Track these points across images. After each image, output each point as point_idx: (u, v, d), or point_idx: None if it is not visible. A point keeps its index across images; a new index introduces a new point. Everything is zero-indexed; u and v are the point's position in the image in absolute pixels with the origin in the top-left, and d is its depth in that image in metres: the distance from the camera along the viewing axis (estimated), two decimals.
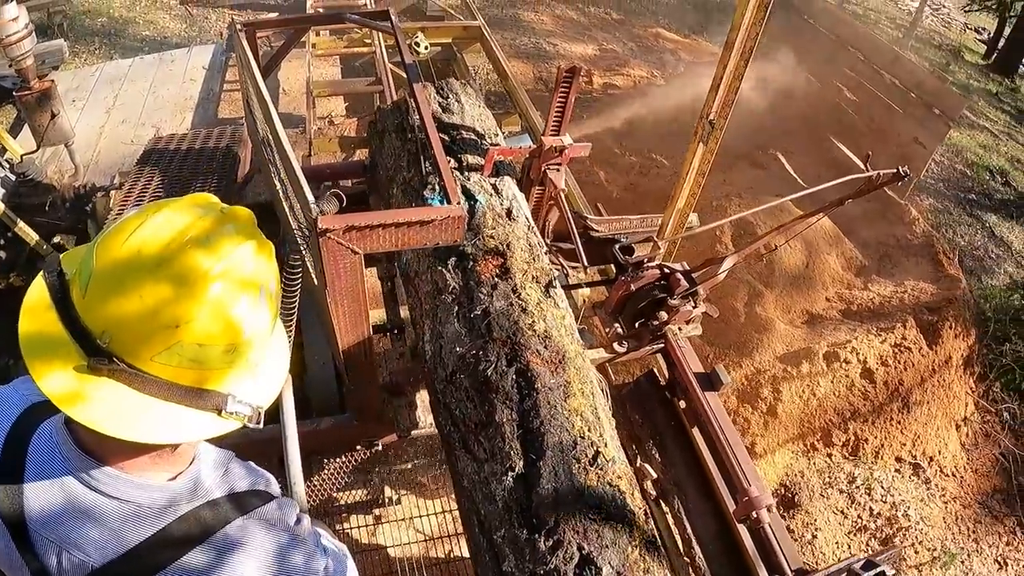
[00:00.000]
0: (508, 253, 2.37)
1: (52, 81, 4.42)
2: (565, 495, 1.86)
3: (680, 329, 2.71)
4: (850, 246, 6.56)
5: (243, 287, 1.04)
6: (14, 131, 5.80)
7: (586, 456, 1.96)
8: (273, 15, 9.07)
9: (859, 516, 4.84)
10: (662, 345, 2.73)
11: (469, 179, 2.61)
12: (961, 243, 7.64)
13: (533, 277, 2.37)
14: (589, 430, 2.03)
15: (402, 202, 2.70)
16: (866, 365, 5.21)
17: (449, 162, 2.53)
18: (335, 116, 7.13)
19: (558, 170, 2.80)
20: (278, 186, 2.84)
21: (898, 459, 5.21)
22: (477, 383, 2.09)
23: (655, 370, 2.88)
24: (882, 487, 5.00)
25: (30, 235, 3.83)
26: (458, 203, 2.14)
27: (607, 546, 1.81)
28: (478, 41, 5.58)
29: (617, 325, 2.70)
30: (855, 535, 4.76)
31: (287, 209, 2.69)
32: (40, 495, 1.08)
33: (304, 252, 2.28)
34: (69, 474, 1.08)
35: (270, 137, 2.65)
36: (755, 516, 2.23)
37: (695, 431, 2.60)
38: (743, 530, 2.32)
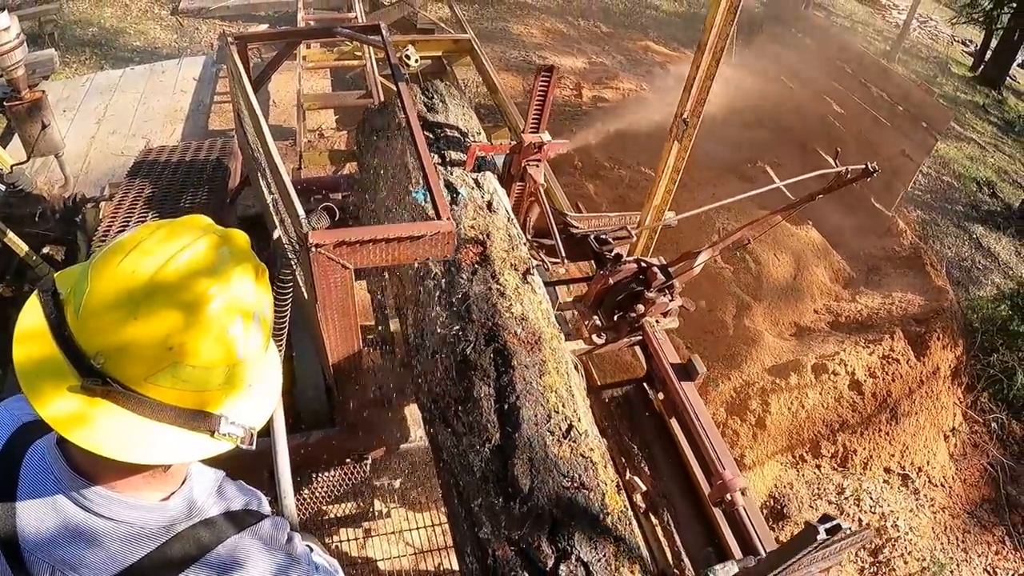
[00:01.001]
0: (488, 242, 2.46)
1: (43, 91, 4.42)
2: (539, 466, 1.93)
3: (657, 322, 2.77)
4: (838, 258, 6.60)
5: (238, 310, 1.04)
6: (4, 141, 5.79)
7: (560, 429, 2.04)
8: (264, 27, 9.09)
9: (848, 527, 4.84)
10: (640, 337, 2.78)
11: (452, 173, 2.71)
12: (948, 254, 7.69)
13: (512, 265, 2.46)
14: (563, 405, 2.11)
15: (388, 199, 2.76)
16: (854, 377, 5.23)
17: (433, 158, 2.62)
18: (325, 129, 7.14)
19: (537, 166, 2.89)
20: (268, 199, 2.85)
21: (887, 470, 5.23)
22: (457, 362, 2.17)
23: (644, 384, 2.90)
24: (871, 498, 5.01)
25: (19, 246, 3.80)
26: (448, 218, 2.16)
27: (579, 514, 1.87)
28: (468, 54, 5.60)
29: (596, 318, 2.76)
30: None
31: (277, 223, 2.70)
32: (33, 515, 1.07)
33: (294, 266, 2.28)
34: (61, 494, 1.07)
35: (260, 150, 2.66)
36: (729, 499, 2.27)
37: (673, 422, 2.64)
38: (719, 515, 2.35)
